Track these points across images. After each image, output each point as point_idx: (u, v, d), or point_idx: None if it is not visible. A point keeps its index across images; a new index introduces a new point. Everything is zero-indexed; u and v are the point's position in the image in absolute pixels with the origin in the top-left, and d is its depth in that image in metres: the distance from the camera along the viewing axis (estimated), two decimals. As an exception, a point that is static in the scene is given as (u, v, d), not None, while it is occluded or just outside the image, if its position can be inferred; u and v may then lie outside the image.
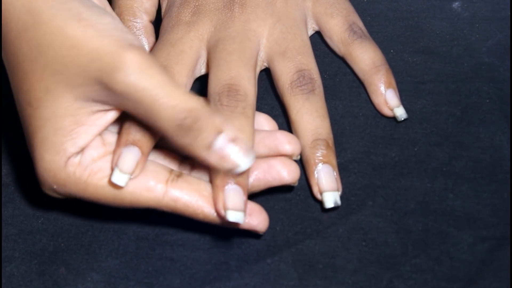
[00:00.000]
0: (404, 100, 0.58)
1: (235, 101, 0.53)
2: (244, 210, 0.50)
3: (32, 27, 0.46)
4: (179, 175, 0.50)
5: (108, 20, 0.46)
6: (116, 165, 0.48)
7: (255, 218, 0.50)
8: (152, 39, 0.60)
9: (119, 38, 0.45)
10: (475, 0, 0.64)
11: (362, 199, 0.54)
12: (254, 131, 0.52)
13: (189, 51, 0.56)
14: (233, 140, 0.45)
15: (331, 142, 0.54)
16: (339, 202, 0.53)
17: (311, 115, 0.54)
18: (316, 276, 0.52)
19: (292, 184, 0.52)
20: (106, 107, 0.48)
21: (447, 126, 0.57)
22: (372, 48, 0.58)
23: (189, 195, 0.49)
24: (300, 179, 0.55)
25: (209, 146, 0.45)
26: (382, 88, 0.57)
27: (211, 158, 0.45)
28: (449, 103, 0.58)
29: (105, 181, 0.49)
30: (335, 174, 0.53)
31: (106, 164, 0.49)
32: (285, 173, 0.51)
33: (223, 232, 0.53)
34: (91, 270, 0.53)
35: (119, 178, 0.48)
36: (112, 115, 0.48)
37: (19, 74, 0.48)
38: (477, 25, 0.62)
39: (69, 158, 0.48)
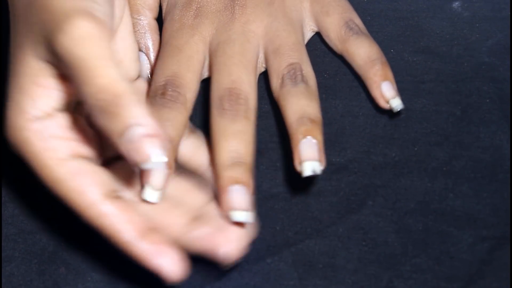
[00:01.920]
0: (404, 100, 0.58)
1: (237, 105, 0.53)
2: (250, 210, 0.50)
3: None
4: (119, 197, 0.48)
5: None
6: (148, 182, 0.49)
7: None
8: (157, 36, 0.60)
9: (84, 6, 0.45)
10: (475, 0, 0.64)
11: (362, 198, 0.54)
12: (254, 133, 0.53)
13: (196, 55, 0.57)
14: (149, 135, 0.43)
15: (318, 120, 0.53)
16: (318, 171, 0.51)
17: (297, 97, 0.54)
18: (316, 276, 0.52)
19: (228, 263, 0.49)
20: (48, 66, 0.47)
21: (447, 126, 0.57)
22: (368, 43, 0.58)
23: (117, 217, 0.47)
24: (299, 178, 0.55)
25: (121, 134, 0.43)
26: (378, 81, 0.57)
27: (122, 146, 0.44)
28: (449, 102, 0.58)
29: (54, 163, 0.47)
30: (318, 147, 0.52)
31: (63, 148, 0.47)
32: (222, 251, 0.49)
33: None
34: (91, 270, 0.53)
35: (151, 195, 0.49)
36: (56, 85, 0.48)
37: (13, 30, 0.48)
38: (477, 25, 0.62)
39: (28, 121, 0.47)
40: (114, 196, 0.48)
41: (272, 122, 0.58)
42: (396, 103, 0.57)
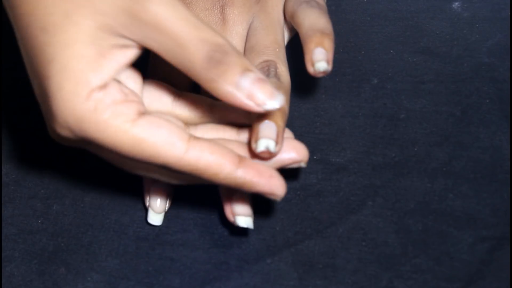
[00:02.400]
0: (404, 100, 0.58)
1: None
2: (252, 216, 0.52)
3: None
4: (198, 138, 0.47)
5: None
6: (149, 206, 0.54)
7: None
8: None
9: None
10: (475, 0, 0.64)
11: (362, 199, 0.55)
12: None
13: None
14: (261, 80, 0.44)
15: (282, 109, 0.51)
16: (272, 149, 0.50)
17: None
18: (316, 276, 0.52)
19: (303, 164, 0.49)
20: (128, 42, 0.45)
21: (447, 126, 0.57)
22: (317, 14, 0.54)
23: (212, 154, 0.46)
24: (298, 178, 0.55)
25: (237, 83, 0.44)
26: (312, 48, 0.52)
27: (237, 95, 0.44)
28: (449, 103, 0.58)
29: (127, 126, 0.45)
30: (277, 131, 0.50)
31: (129, 110, 0.45)
32: (294, 152, 0.49)
33: (223, 232, 0.53)
34: (91, 270, 0.53)
35: (154, 218, 0.54)
36: (133, 52, 0.46)
37: (32, 1, 0.45)
38: (477, 25, 0.62)
39: (92, 90, 0.44)
40: (195, 138, 0.46)
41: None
42: (320, 65, 0.52)
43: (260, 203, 0.54)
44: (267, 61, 0.54)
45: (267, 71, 0.53)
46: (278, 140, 0.48)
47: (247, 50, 0.56)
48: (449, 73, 0.60)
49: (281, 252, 0.53)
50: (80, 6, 0.44)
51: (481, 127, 0.57)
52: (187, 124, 0.52)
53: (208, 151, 0.46)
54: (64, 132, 0.46)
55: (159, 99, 0.51)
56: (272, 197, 0.47)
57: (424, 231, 0.53)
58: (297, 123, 0.58)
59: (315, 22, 0.53)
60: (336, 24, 0.57)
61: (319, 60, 0.51)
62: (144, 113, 0.45)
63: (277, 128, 0.49)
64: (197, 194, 0.55)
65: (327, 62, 0.51)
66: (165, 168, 0.46)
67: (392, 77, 0.60)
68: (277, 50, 0.55)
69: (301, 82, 0.60)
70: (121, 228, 0.55)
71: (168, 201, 0.54)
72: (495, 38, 0.62)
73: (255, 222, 0.53)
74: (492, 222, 0.53)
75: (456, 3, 0.64)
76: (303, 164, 0.50)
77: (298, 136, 0.57)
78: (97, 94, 0.44)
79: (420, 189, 0.55)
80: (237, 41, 0.57)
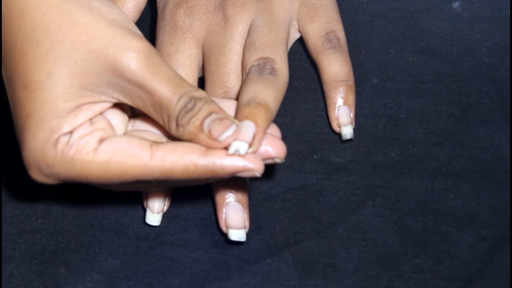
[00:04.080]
0: (404, 100, 0.58)
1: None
2: (245, 227, 0.53)
3: (39, 9, 0.46)
4: (161, 142, 0.48)
5: (117, 11, 0.47)
6: (147, 206, 0.54)
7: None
8: None
9: (129, 29, 0.46)
10: (475, 0, 0.64)
11: (362, 199, 0.54)
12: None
13: (188, 61, 0.57)
14: (220, 120, 0.47)
15: (267, 106, 0.51)
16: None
17: (255, 82, 0.52)
18: (316, 276, 0.52)
19: (279, 161, 0.49)
20: (108, 98, 0.47)
21: (447, 126, 0.57)
22: (340, 62, 0.58)
23: (175, 151, 0.47)
24: (298, 178, 0.55)
25: (200, 125, 0.46)
26: (337, 103, 0.57)
27: (199, 137, 0.47)
28: (449, 103, 0.58)
29: (91, 155, 0.47)
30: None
31: (92, 139, 0.47)
32: (270, 148, 0.49)
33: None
34: (91, 270, 0.53)
35: (152, 218, 0.54)
36: (110, 104, 0.48)
37: (16, 56, 0.47)
38: (477, 25, 0.62)
39: (59, 137, 0.47)
40: (157, 144, 0.48)
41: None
42: (346, 131, 0.57)
43: (260, 203, 0.54)
44: (264, 58, 0.54)
45: (263, 67, 0.53)
46: (254, 142, 0.48)
47: (246, 46, 0.56)
48: (449, 73, 0.60)
49: (281, 252, 0.53)
50: (64, 66, 0.46)
51: (481, 127, 0.57)
52: None
53: (169, 150, 0.47)
54: (41, 178, 0.48)
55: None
56: (250, 175, 0.47)
57: (424, 231, 0.53)
58: (297, 123, 0.58)
59: (339, 72, 0.57)
60: (336, 24, 0.58)
61: (345, 124, 0.57)
62: (106, 137, 0.47)
63: (256, 129, 0.48)
64: (197, 194, 0.55)
65: (352, 123, 0.57)
66: (140, 182, 0.48)
67: (392, 77, 0.60)
68: (277, 47, 0.55)
69: (301, 82, 0.60)
70: (121, 228, 0.55)
71: (166, 202, 0.54)
72: (495, 38, 0.62)
73: (255, 222, 0.53)
74: (492, 222, 0.53)
75: (456, 3, 0.64)
76: (278, 160, 0.49)
77: (298, 136, 0.57)
78: (63, 138, 0.47)
79: (420, 189, 0.55)
80: (238, 39, 0.57)
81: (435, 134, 0.57)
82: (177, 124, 0.47)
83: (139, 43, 0.46)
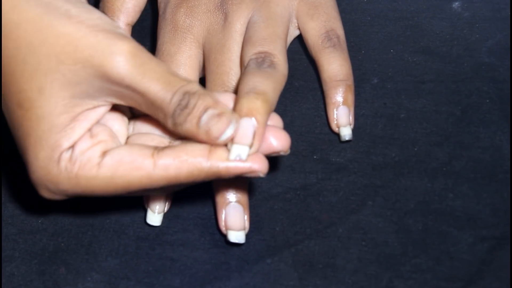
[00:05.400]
0: (404, 100, 0.58)
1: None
2: (245, 229, 0.53)
3: (18, 26, 0.46)
4: (163, 148, 0.48)
5: (97, 15, 0.47)
6: (148, 206, 0.54)
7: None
8: None
9: (112, 31, 0.46)
10: (475, 0, 0.64)
11: (362, 199, 0.55)
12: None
13: (188, 61, 0.57)
14: (218, 115, 0.46)
15: (264, 96, 0.50)
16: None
17: (253, 74, 0.52)
18: (316, 276, 0.52)
19: (283, 153, 0.49)
20: (101, 102, 0.47)
21: (447, 126, 0.57)
22: (340, 61, 0.58)
23: (178, 157, 0.47)
24: (298, 178, 0.55)
25: (198, 122, 0.46)
26: (336, 103, 0.57)
27: (197, 134, 0.46)
28: (449, 103, 0.58)
29: (94, 171, 0.47)
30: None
31: (94, 153, 0.47)
32: (274, 141, 0.49)
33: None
34: (91, 270, 0.53)
35: (153, 218, 0.54)
36: (105, 108, 0.48)
37: (6, 77, 0.47)
38: (477, 25, 0.62)
39: (61, 153, 0.47)
40: (159, 150, 0.48)
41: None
42: (345, 133, 0.57)
43: (260, 203, 0.54)
44: (262, 52, 0.54)
45: (262, 61, 0.53)
46: (255, 142, 0.48)
47: (244, 42, 0.56)
48: (449, 73, 0.60)
49: (281, 252, 0.53)
50: (54, 80, 0.46)
51: (481, 127, 0.57)
52: None
53: (172, 156, 0.47)
54: (50, 195, 0.49)
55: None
56: (255, 175, 0.47)
57: (424, 231, 0.53)
58: (297, 123, 0.58)
59: (339, 71, 0.57)
60: (336, 24, 0.58)
61: (344, 125, 0.57)
62: (108, 150, 0.47)
63: (255, 127, 0.48)
64: (197, 194, 0.55)
65: (351, 124, 0.57)
66: (146, 190, 0.48)
67: (392, 77, 0.60)
68: (275, 41, 0.55)
69: (301, 82, 0.60)
70: (121, 228, 0.55)
71: (167, 202, 0.54)
72: (495, 38, 0.62)
73: (255, 222, 0.53)
74: (492, 222, 0.53)
75: (456, 3, 0.64)
76: (283, 153, 0.49)
77: (298, 136, 0.57)
78: (66, 154, 0.47)
79: (420, 189, 0.55)
80: (236, 38, 0.57)
81: (435, 134, 0.57)
82: (174, 122, 0.46)
83: (124, 45, 0.45)
